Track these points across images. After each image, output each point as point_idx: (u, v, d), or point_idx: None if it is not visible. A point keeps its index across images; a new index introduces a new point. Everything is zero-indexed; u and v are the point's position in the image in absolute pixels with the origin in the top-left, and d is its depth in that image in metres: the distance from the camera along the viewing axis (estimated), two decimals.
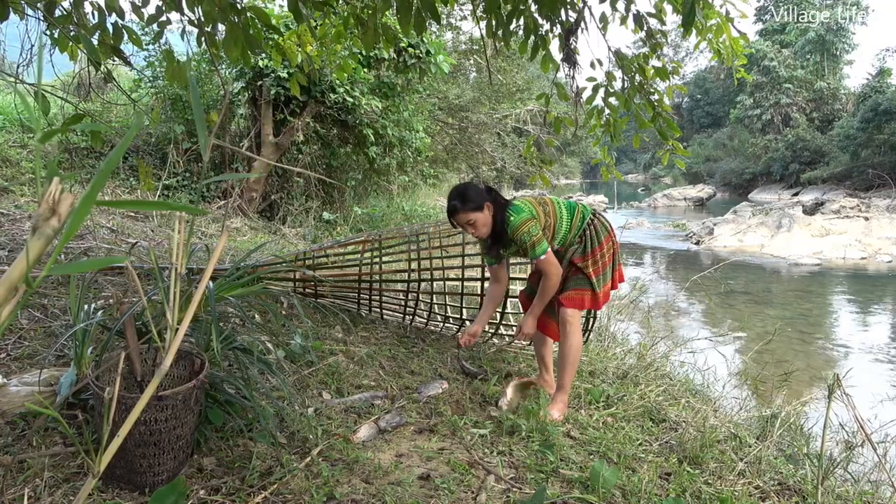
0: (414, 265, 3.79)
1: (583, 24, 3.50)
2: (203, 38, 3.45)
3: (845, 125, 30.22)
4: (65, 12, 3.14)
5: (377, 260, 3.92)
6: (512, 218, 2.81)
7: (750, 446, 2.90)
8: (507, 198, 2.96)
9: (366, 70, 8.72)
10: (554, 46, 3.62)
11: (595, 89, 3.86)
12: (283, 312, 3.75)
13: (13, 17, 3.62)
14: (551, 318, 3.09)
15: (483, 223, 2.83)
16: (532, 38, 3.45)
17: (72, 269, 0.55)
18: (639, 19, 3.59)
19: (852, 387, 2.87)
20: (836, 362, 7.06)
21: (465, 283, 3.88)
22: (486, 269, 3.39)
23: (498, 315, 3.78)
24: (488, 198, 2.85)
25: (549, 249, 2.85)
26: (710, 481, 2.40)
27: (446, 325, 4.05)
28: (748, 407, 4.05)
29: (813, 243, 15.08)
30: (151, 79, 8.47)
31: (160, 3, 3.33)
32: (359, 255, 3.91)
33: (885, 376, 6.59)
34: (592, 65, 3.80)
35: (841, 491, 2.60)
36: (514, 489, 2.14)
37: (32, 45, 4.23)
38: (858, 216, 17.67)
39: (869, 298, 10.70)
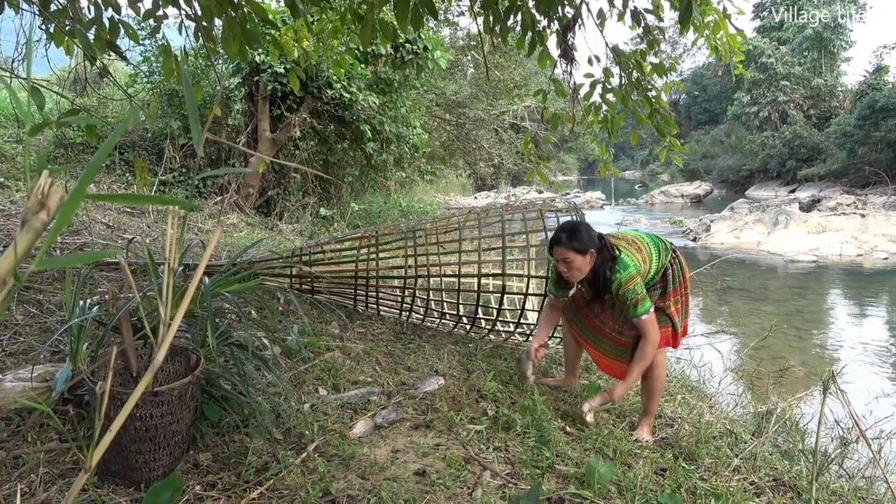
0: (411, 261, 3.79)
1: (580, 20, 3.50)
2: (200, 33, 3.44)
3: (842, 122, 30.23)
4: (60, 6, 3.12)
5: (374, 256, 3.91)
6: (618, 274, 2.71)
7: (745, 442, 2.91)
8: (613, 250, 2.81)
9: (363, 66, 8.71)
10: (551, 42, 3.62)
11: (592, 85, 3.86)
12: (280, 308, 3.75)
13: (8, 11, 3.61)
14: (607, 355, 3.06)
15: (578, 267, 2.74)
16: (529, 33, 3.44)
17: (61, 262, 0.55)
18: (636, 15, 3.59)
19: (847, 383, 2.89)
20: (832, 359, 7.08)
21: (462, 280, 3.88)
22: (545, 298, 3.33)
23: (494, 312, 3.78)
24: (596, 245, 2.74)
25: (652, 309, 2.75)
26: (705, 477, 2.41)
27: (443, 321, 4.05)
28: (744, 403, 4.07)
29: (809, 240, 15.11)
30: (148, 74, 8.45)
31: None
32: (355, 252, 3.91)
33: (880, 373, 6.61)
34: (590, 61, 3.80)
35: (836, 487, 2.61)
36: (510, 485, 2.14)
37: (27, 40, 4.21)
38: (855, 213, 17.71)
39: (865, 295, 10.73)
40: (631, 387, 2.87)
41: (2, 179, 6.44)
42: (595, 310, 3.03)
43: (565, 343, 3.26)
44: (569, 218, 3.65)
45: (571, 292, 3.10)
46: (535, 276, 3.78)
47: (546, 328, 3.13)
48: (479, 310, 3.85)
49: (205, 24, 3.37)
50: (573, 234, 2.73)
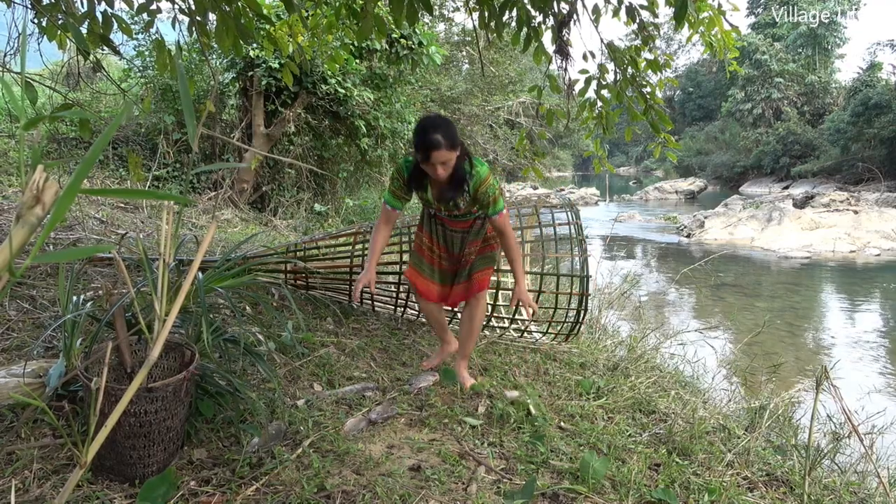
0: (405, 257, 3.78)
1: (575, 16, 3.49)
2: (194, 28, 3.42)
3: (836, 119, 30.35)
4: (53, 0, 3.10)
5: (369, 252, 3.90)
6: (478, 168, 2.68)
7: (738, 437, 2.93)
8: None
9: (358, 61, 8.68)
10: (546, 38, 3.62)
11: (587, 81, 3.86)
12: (275, 304, 3.74)
13: (0, 4, 3.58)
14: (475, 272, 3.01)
15: (451, 165, 2.61)
16: (524, 29, 3.44)
17: (56, 257, 0.55)
18: (631, 11, 3.59)
19: (840, 378, 2.90)
20: (825, 354, 7.12)
21: None
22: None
23: (489, 307, 3.78)
24: (460, 140, 2.66)
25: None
26: (698, 472, 2.42)
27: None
28: (737, 398, 4.09)
29: (803, 236, 15.18)
30: (141, 68, 8.40)
31: None
32: (350, 247, 3.90)
33: (872, 368, 6.66)
34: (585, 57, 3.80)
35: (828, 482, 2.63)
36: (505, 480, 2.15)
37: (20, 34, 4.18)
38: (848, 210, 17.78)
39: (857, 291, 10.78)
40: (523, 282, 2.86)
41: None
42: (444, 255, 3.03)
43: (427, 313, 3.11)
44: (563, 215, 3.67)
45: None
46: (530, 273, 3.78)
47: (378, 250, 2.94)
48: None
49: (198, 18, 3.35)
50: (448, 133, 2.56)
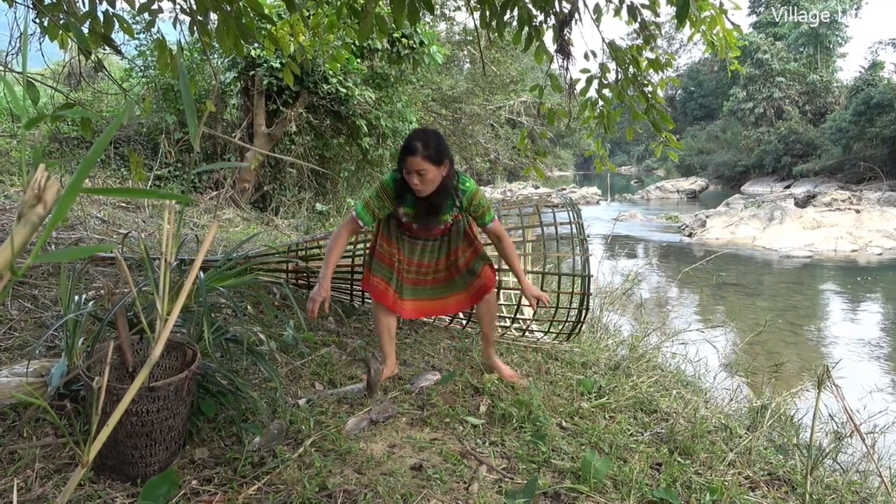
0: None
1: (577, 15, 3.49)
2: (195, 27, 3.42)
3: (837, 118, 30.33)
4: (54, 0, 3.10)
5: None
6: (467, 184, 2.69)
7: (740, 437, 2.92)
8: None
9: (359, 60, 8.68)
10: (548, 37, 3.61)
11: (589, 81, 3.86)
12: (276, 303, 3.74)
13: (2, 4, 3.59)
14: (455, 292, 3.03)
15: (432, 180, 2.55)
16: (526, 28, 3.43)
17: (57, 256, 0.55)
18: (632, 11, 3.58)
19: (842, 378, 2.90)
20: (826, 354, 7.11)
21: None
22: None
23: (503, 308, 3.78)
24: (450, 157, 2.61)
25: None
26: (700, 471, 2.41)
27: (438, 316, 4.04)
28: (739, 398, 4.09)
29: (804, 236, 15.16)
30: (143, 68, 8.41)
31: None
32: (352, 246, 3.90)
33: (873, 367, 6.65)
34: (586, 56, 3.79)
35: (830, 481, 2.62)
36: (506, 479, 2.15)
37: (21, 33, 4.19)
38: (850, 209, 17.76)
39: (859, 291, 10.77)
40: (525, 278, 2.96)
41: None
42: (422, 269, 2.97)
43: (383, 326, 2.99)
44: (565, 214, 3.66)
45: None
46: (532, 272, 3.78)
47: (334, 263, 2.76)
48: None
49: (200, 18, 3.35)
50: (429, 143, 2.50)
